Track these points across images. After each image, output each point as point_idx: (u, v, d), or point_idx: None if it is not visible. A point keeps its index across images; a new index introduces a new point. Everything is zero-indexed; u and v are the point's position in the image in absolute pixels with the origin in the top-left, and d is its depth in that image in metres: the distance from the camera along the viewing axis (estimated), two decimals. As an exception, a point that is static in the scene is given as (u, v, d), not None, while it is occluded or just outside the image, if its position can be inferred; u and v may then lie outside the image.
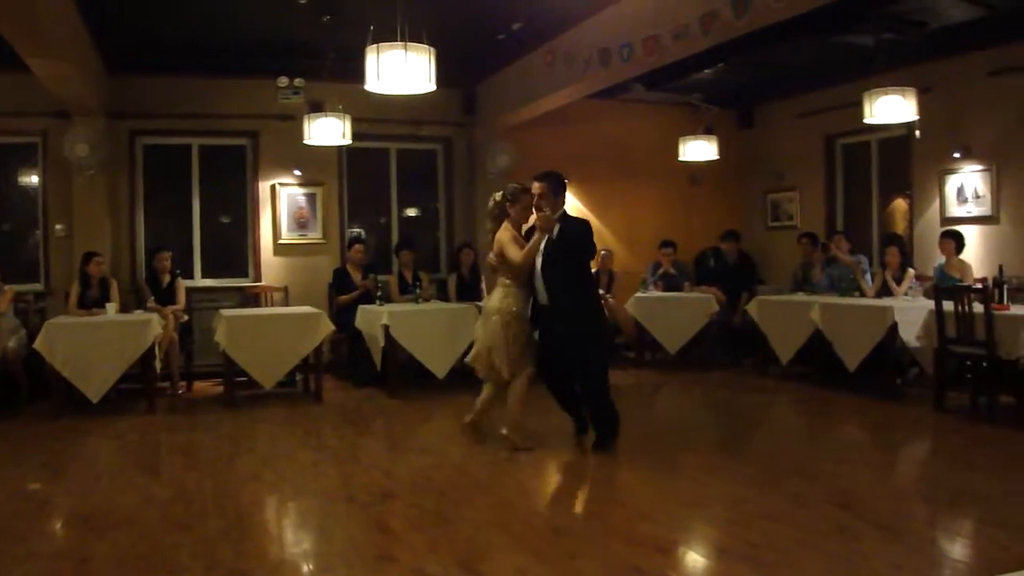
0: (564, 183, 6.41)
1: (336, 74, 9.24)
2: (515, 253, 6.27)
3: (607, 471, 6.09)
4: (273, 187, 10.93)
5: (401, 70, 6.55)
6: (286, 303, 10.42)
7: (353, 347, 9.75)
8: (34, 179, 10.50)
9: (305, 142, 9.62)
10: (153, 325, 8.27)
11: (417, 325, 8.83)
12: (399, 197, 11.78)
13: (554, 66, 9.30)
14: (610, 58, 8.27)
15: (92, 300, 8.87)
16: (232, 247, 11.07)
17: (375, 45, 6.58)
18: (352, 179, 11.42)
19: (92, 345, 8.01)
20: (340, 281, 10.09)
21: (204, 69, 10.34)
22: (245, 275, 10.98)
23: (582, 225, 6.33)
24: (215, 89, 10.60)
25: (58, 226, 10.24)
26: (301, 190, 11.03)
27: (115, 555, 4.32)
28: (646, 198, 12.37)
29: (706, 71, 10.37)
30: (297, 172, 10.92)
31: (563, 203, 6.41)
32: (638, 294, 10.68)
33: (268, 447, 7.05)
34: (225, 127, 10.87)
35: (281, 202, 10.94)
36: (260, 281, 10.80)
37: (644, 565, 4.00)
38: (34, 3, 6.40)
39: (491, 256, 6.54)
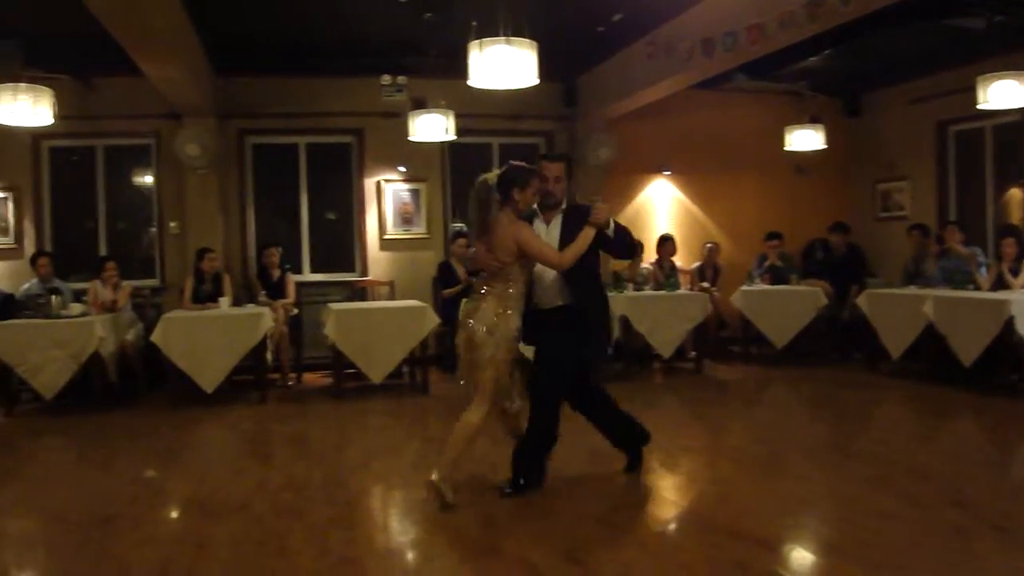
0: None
1: (438, 70, 9.33)
2: (550, 251, 5.07)
3: (711, 467, 6.03)
4: (378, 183, 11.11)
5: (504, 65, 6.59)
6: (392, 297, 10.58)
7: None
8: (148, 179, 10.91)
9: (409, 138, 9.75)
10: (264, 318, 8.50)
11: (519, 317, 8.85)
12: (502, 191, 11.82)
13: (656, 57, 9.21)
14: (713, 47, 8.16)
15: (206, 294, 9.16)
16: (339, 242, 11.28)
17: (478, 40, 6.62)
18: (455, 174, 11.52)
19: (206, 338, 8.28)
20: (444, 275, 10.19)
21: (309, 69, 10.55)
22: (352, 270, 11.18)
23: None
24: (320, 88, 10.81)
25: (172, 223, 10.61)
26: (405, 186, 11.19)
27: (230, 540, 4.46)
28: (751, 189, 12.17)
29: (812, 58, 10.15)
30: (401, 168, 11.08)
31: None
32: (744, 287, 10.53)
33: (376, 438, 7.17)
34: (331, 125, 11.09)
35: (386, 198, 11.12)
36: (367, 275, 10.99)
37: (750, 561, 3.96)
38: (146, 9, 6.64)
39: (480, 254, 5.16)
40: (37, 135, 10.15)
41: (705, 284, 11.04)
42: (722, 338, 11.10)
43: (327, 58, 10.36)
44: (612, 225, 5.16)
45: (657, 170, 11.90)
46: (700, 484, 5.66)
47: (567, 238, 5.14)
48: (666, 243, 10.91)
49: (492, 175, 5.14)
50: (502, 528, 4.55)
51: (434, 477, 4.88)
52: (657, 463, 6.06)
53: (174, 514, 5.22)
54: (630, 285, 9.93)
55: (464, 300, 5.20)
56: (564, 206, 5.31)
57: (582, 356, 5.25)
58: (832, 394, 8.76)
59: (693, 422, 7.61)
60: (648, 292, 9.91)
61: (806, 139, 11.07)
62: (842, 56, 10.33)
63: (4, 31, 8.77)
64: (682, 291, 10.18)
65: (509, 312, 5.00)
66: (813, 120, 11.10)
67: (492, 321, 4.96)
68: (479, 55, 6.63)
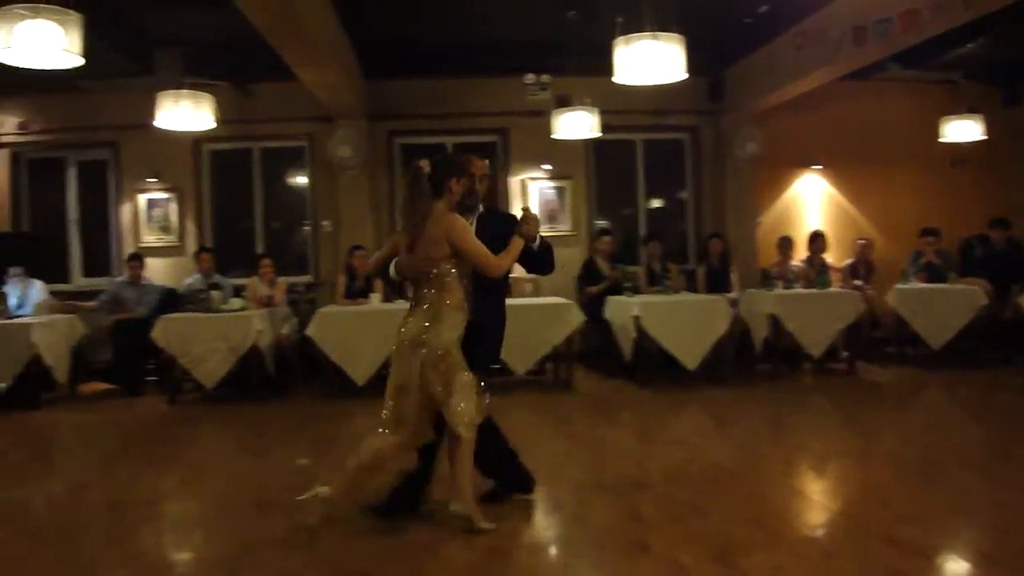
0: None
1: (582, 68, 9.35)
2: (488, 253, 4.50)
3: (864, 471, 5.86)
4: (523, 182, 11.21)
5: (651, 60, 6.56)
6: (536, 294, 10.63)
7: (602, 337, 9.84)
8: (302, 180, 11.32)
9: (553, 136, 9.82)
10: (413, 314, 8.69)
11: (669, 316, 8.79)
12: (645, 188, 11.78)
13: (805, 47, 9.01)
14: (865, 36, 7.94)
15: (357, 290, 9.43)
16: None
17: (624, 37, 6.61)
18: (599, 171, 11.52)
19: (358, 332, 8.56)
20: (588, 272, 10.22)
21: (454, 70, 10.76)
22: (496, 266, 11.30)
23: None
24: (465, 89, 11.00)
25: (325, 222, 10.99)
26: (550, 184, 11.26)
27: (381, 529, 4.61)
28: (905, 183, 11.74)
29: (968, 46, 9.74)
30: (546, 166, 11.15)
31: None
32: (898, 285, 10.15)
33: (520, 432, 7.14)
34: (476, 125, 11.28)
35: (531, 196, 11.20)
36: (511, 273, 11.05)
37: (905, 569, 3.83)
38: (302, 17, 6.89)
39: (403, 260, 4.64)
40: (198, 139, 10.70)
41: (858, 282, 10.71)
42: (875, 338, 10.72)
43: (472, 59, 10.53)
44: (538, 238, 4.76)
45: (807, 164, 11.64)
46: (852, 489, 5.51)
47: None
48: (817, 239, 10.66)
49: (426, 162, 4.53)
50: (651, 526, 4.53)
51: (455, 507, 4.52)
52: (807, 467, 5.95)
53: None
54: (779, 283, 9.73)
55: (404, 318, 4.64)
56: (480, 211, 4.87)
57: None
58: (992, 398, 8.36)
59: (845, 425, 7.40)
60: (798, 290, 9.68)
61: (963, 130, 10.63)
62: (999, 43, 9.87)
63: (167, 41, 9.27)
64: (833, 289, 9.91)
65: (441, 325, 4.42)
66: (970, 110, 10.64)
67: (417, 335, 4.45)
68: (625, 51, 6.62)
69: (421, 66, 10.65)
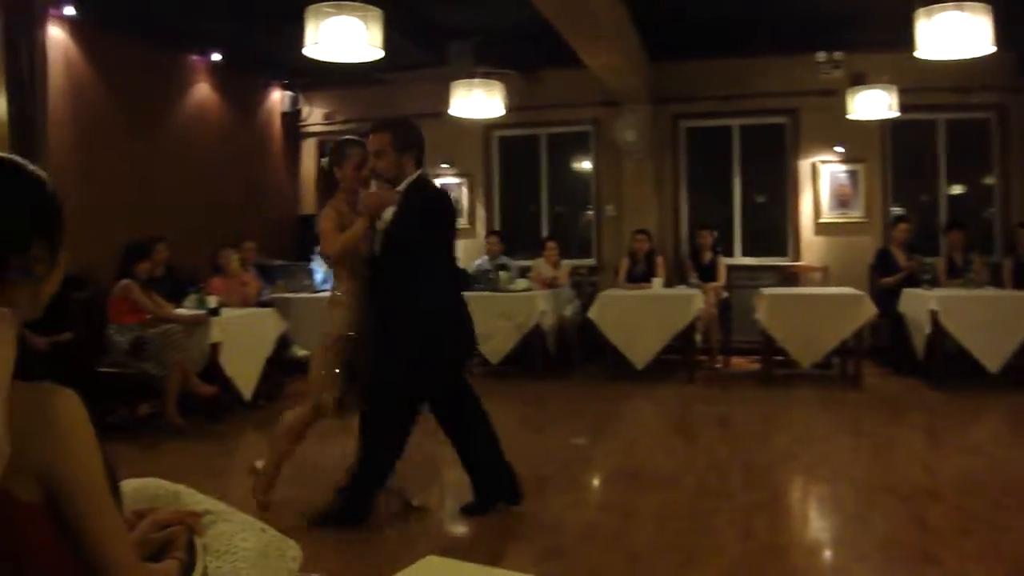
0: (416, 134, 4.49)
1: (877, 43, 8.87)
2: (328, 238, 4.45)
3: None
4: (813, 165, 10.78)
5: (955, 32, 6.12)
6: (825, 283, 10.24)
7: (895, 332, 9.31)
8: (586, 164, 11.50)
9: (847, 117, 9.38)
10: (695, 300, 8.65)
11: (970, 312, 8.13)
12: (947, 172, 10.99)
13: None
14: None
15: (639, 275, 9.49)
16: (771, 226, 11.13)
17: (925, 8, 6.21)
18: (896, 154, 10.87)
19: (639, 316, 8.62)
20: (883, 262, 9.67)
21: (741, 50, 10.43)
22: (784, 254, 10.97)
23: (431, 200, 4.49)
24: (753, 69, 10.67)
25: (608, 207, 11.08)
26: (842, 167, 10.75)
27: (656, 513, 4.62)
28: None
29: None
30: (839, 148, 10.66)
31: (414, 164, 4.45)
32: None
33: (803, 428, 6.99)
34: (764, 106, 10.91)
35: (822, 180, 10.76)
36: (799, 260, 10.73)
37: None
38: (587, 1, 6.96)
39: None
40: (488, 126, 11.12)
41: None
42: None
43: (759, 37, 10.19)
44: (391, 216, 4.30)
45: None
46: None
47: (398, 221, 4.32)
48: None
49: (325, 160, 4.62)
50: (940, 536, 4.22)
51: (257, 464, 4.71)
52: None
53: (602, 481, 5.47)
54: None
55: None
56: (406, 183, 4.40)
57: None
58: None
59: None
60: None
61: None
62: None
63: (459, 32, 9.68)
64: None
65: (334, 312, 4.55)
66: None
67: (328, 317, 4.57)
68: (927, 23, 6.21)
69: (706, 46, 10.42)
